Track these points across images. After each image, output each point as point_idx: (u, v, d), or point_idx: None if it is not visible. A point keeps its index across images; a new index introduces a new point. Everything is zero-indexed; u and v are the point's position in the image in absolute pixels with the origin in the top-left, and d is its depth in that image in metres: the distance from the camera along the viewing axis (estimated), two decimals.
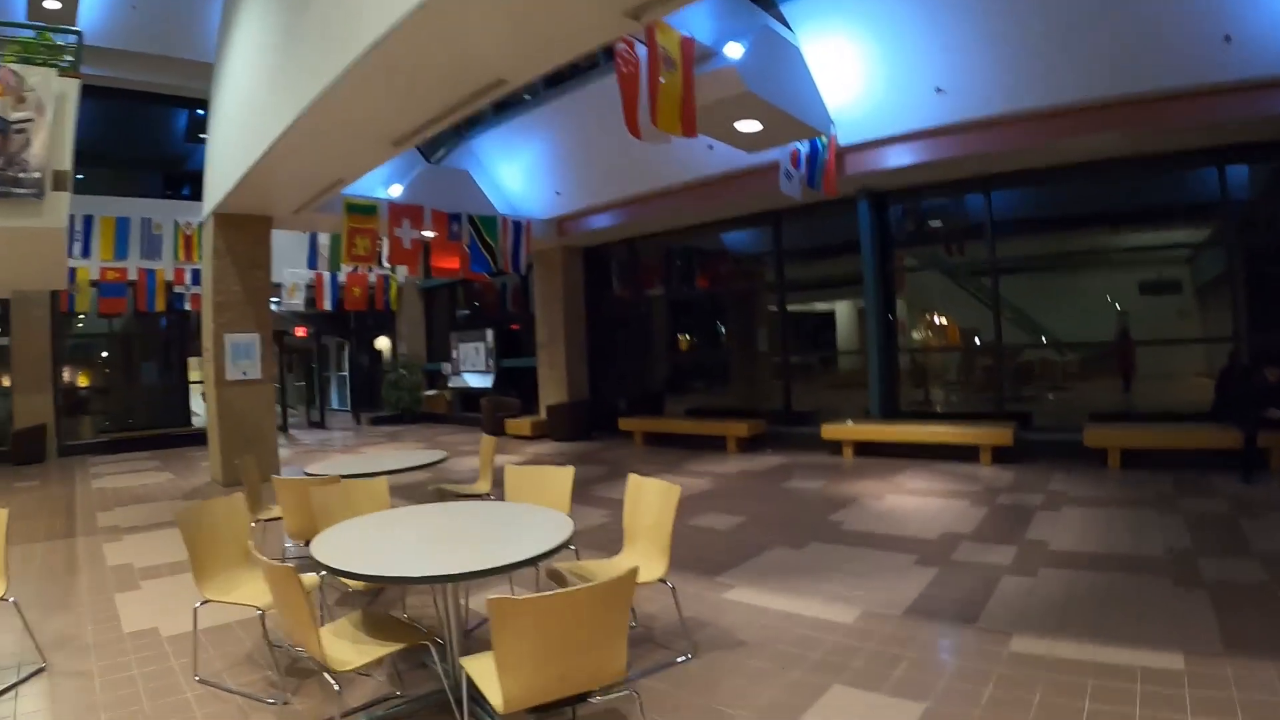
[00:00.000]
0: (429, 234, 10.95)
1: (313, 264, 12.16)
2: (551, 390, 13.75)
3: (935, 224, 10.74)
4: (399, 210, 10.53)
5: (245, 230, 10.03)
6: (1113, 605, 3.92)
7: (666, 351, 14.46)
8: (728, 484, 8.15)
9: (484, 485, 6.23)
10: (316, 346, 18.07)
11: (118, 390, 15.74)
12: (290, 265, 15.61)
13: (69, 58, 6.72)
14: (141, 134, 15.78)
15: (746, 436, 10.51)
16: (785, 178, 8.40)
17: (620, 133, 6.06)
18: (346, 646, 2.77)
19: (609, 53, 7.35)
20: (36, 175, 6.22)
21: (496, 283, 16.11)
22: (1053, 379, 10.46)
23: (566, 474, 4.38)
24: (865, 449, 9.52)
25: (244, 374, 9.92)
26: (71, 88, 6.59)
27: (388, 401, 17.49)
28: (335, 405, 19.22)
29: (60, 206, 6.36)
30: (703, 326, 14.26)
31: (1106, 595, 4.07)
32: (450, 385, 16.97)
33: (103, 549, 6.33)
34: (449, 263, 11.28)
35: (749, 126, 7.46)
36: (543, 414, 13.35)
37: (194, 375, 15.86)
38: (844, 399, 11.08)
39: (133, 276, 13.63)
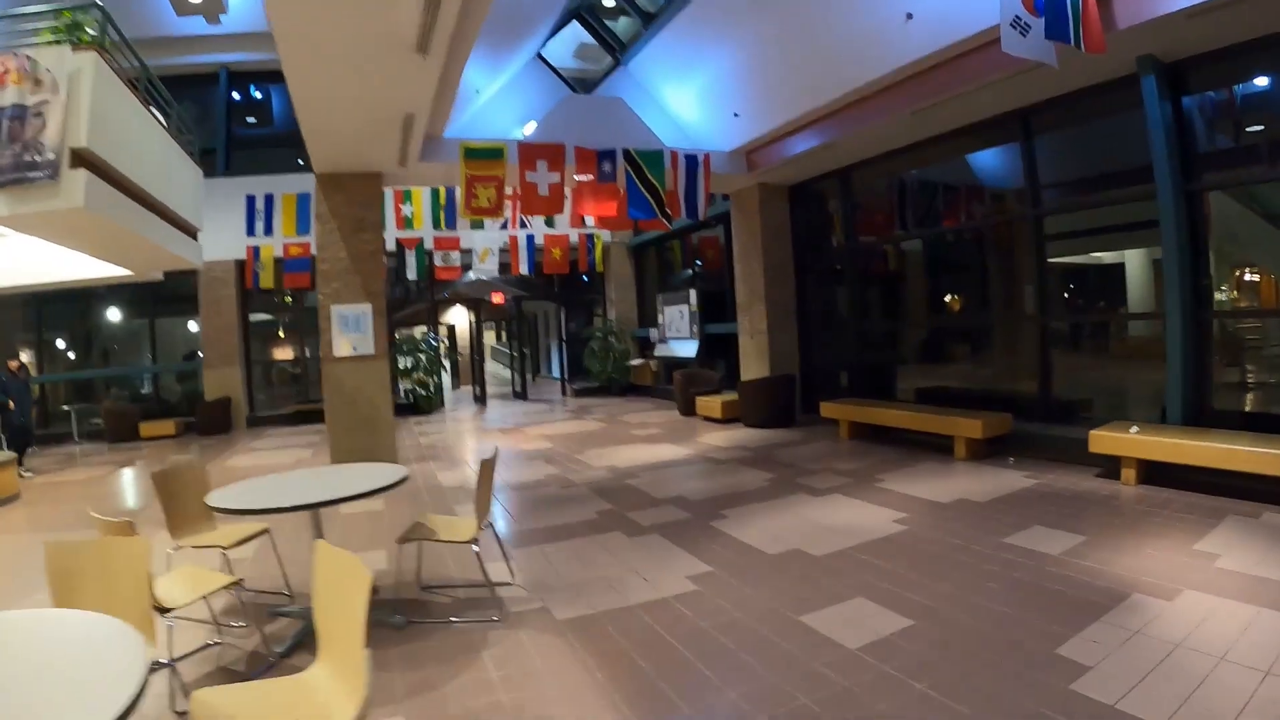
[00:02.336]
0: (580, 178, 9.04)
1: (451, 223, 11.00)
2: (752, 362, 11.20)
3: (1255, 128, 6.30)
4: (531, 151, 8.72)
5: (350, 190, 9.09)
6: None
7: (899, 315, 11.04)
8: (924, 525, 5.08)
9: (468, 529, 4.17)
10: (518, 313, 17.38)
11: (305, 364, 16.19)
12: (483, 228, 14.92)
13: (91, 30, 5.96)
14: None
15: (981, 438, 7.07)
16: (1013, 32, 4.87)
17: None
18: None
19: None
20: (51, 157, 5.49)
21: (720, 235, 13.81)
22: None
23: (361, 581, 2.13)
24: (1158, 472, 5.73)
25: (355, 349, 8.97)
26: (88, 62, 5.80)
27: (590, 371, 16.26)
28: (556, 375, 18.62)
29: (76, 185, 5.50)
30: (949, 283, 10.54)
31: None
32: (656, 354, 15.16)
33: None
34: (601, 210, 9.26)
35: None
36: (738, 392, 10.85)
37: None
38: (1129, 382, 7.35)
39: (315, 251, 13.78)
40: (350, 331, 9.11)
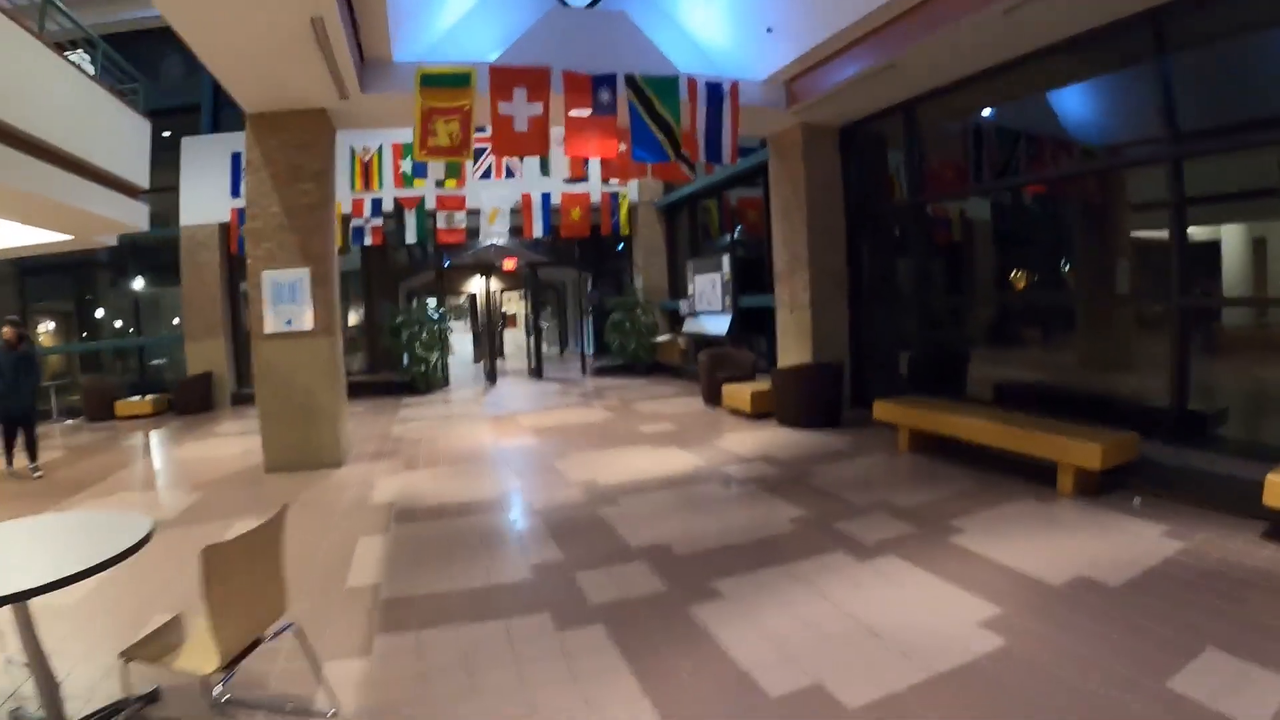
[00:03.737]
0: (578, 113, 7.15)
1: (420, 172, 9.09)
2: (791, 343, 9.19)
3: None
4: (507, 76, 6.86)
5: (288, 132, 7.49)
6: None
7: (974, 290, 8.84)
8: (1031, 637, 3.07)
9: (208, 660, 2.38)
10: (532, 282, 15.59)
11: None
12: (491, 185, 13.15)
13: None
14: None
15: (1098, 469, 4.97)
16: None
17: None
18: None
19: None
20: None
21: (763, 195, 11.67)
22: None
23: None
24: None
25: (288, 323, 7.34)
26: None
27: (610, 348, 14.44)
28: (584, 349, 16.87)
29: None
30: (1039, 253, 8.25)
31: None
32: (685, 329, 13.22)
33: None
34: (597, 149, 7.35)
35: None
36: (769, 382, 8.84)
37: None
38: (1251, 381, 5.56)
39: (245, 206, 12.36)
40: (283, 302, 7.49)
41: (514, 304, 29.55)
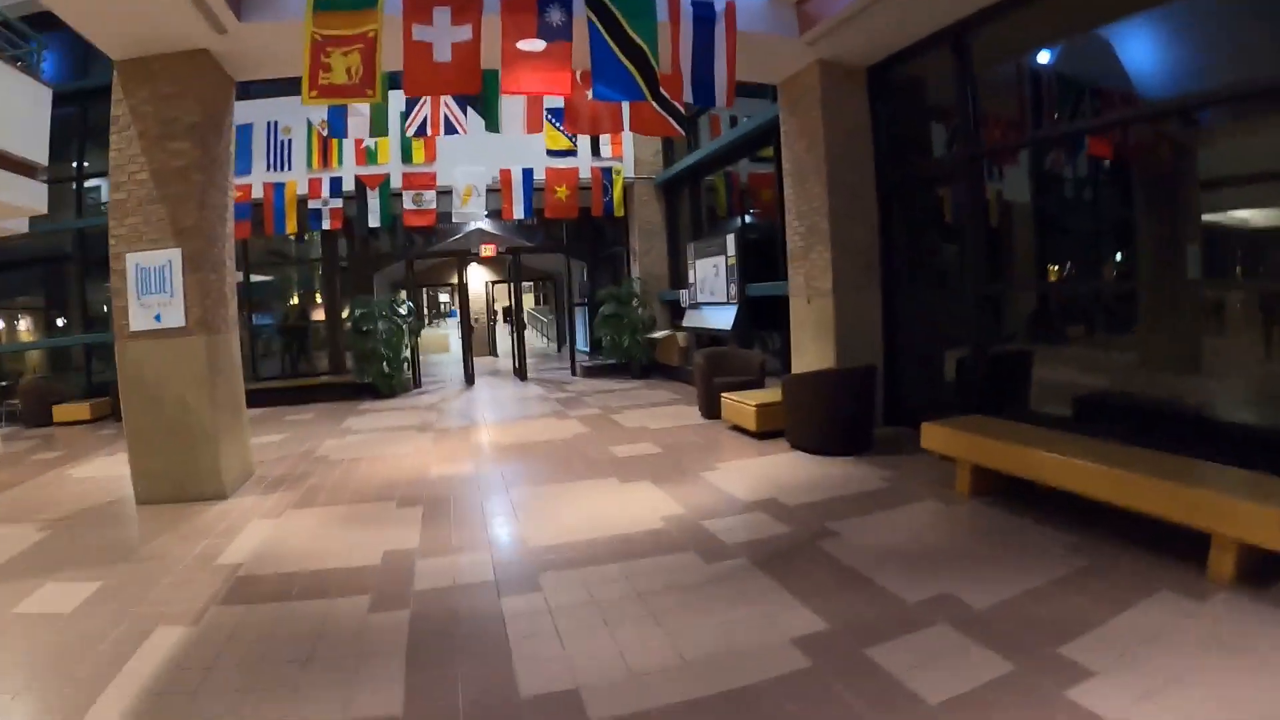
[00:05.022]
0: (527, 45, 5.36)
1: (338, 131, 7.25)
2: (809, 342, 7.35)
3: None
4: None
5: (159, 79, 5.89)
6: None
7: (1027, 274, 6.90)
8: None
9: None
10: (515, 269, 13.79)
11: (254, 332, 12.73)
12: (465, 161, 11.44)
13: None
14: None
15: (1261, 549, 3.09)
16: None
17: None
18: None
19: None
20: None
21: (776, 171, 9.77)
22: None
23: None
24: None
25: (157, 319, 5.69)
26: None
27: (601, 345, 12.66)
28: (575, 346, 15.15)
29: None
30: (1097, 232, 6.23)
31: None
32: (685, 324, 11.40)
33: None
34: (546, 84, 5.54)
35: None
36: (779, 391, 6.97)
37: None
38: None
39: (258, 194, 10.82)
40: (151, 292, 5.83)
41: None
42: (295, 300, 14.30)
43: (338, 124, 6.99)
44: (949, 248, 7.15)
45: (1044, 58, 5.98)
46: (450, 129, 6.76)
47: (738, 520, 4.47)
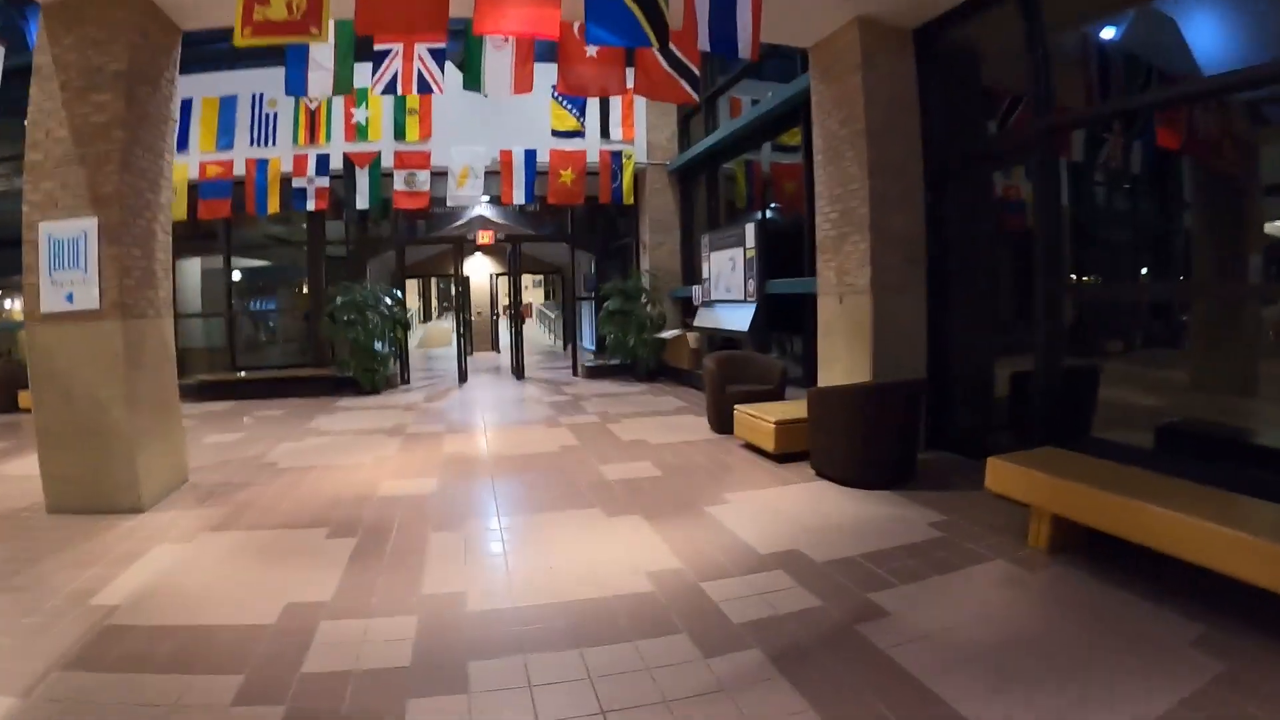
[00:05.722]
0: None
1: (297, 87, 6.17)
2: (840, 349, 6.28)
3: None
4: None
5: (86, 23, 5.03)
6: None
7: (1115, 271, 5.78)
8: None
9: None
10: (514, 259, 12.77)
11: (232, 321, 11.92)
12: (464, 140, 10.50)
13: None
14: None
15: None
16: None
17: None
18: None
19: None
20: None
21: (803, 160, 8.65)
22: None
23: None
24: None
25: (69, 299, 4.78)
26: None
27: (605, 344, 11.65)
28: (579, 345, 14.13)
29: None
30: (1152, 230, 5.11)
31: None
32: (697, 323, 10.35)
33: None
34: (527, 21, 4.51)
35: None
36: (803, 406, 5.88)
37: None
38: None
39: (239, 171, 10.02)
40: (63, 268, 4.90)
41: (527, 291, 26.91)
42: (282, 288, 13.44)
43: (297, 78, 6.00)
44: (1007, 240, 6.06)
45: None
46: (424, 86, 5.75)
47: (750, 583, 3.42)
